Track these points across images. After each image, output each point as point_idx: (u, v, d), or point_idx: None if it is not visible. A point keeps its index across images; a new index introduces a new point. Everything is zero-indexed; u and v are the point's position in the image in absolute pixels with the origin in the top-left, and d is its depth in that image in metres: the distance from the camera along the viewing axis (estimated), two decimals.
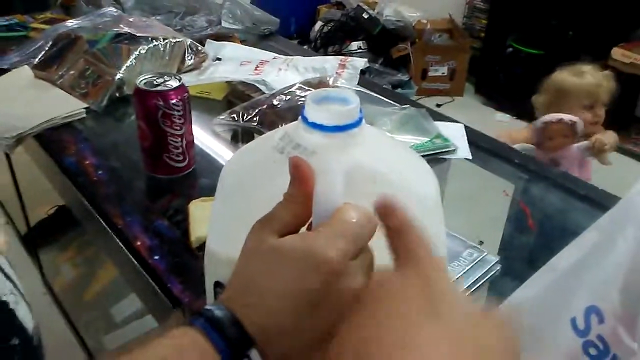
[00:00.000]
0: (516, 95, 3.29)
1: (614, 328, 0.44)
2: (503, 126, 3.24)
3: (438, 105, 3.42)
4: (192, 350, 0.34)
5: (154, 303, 0.75)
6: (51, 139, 1.00)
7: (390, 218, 0.37)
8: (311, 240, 0.36)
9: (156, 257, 0.74)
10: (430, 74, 3.53)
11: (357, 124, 0.41)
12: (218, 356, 0.34)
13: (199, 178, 0.91)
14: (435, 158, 0.97)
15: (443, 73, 3.53)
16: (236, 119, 1.02)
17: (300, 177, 0.38)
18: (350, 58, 1.24)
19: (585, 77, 1.90)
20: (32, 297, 0.53)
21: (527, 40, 3.19)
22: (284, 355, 0.36)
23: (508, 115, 3.33)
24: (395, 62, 3.51)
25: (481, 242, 0.80)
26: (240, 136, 1.03)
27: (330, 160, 0.39)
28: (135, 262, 0.75)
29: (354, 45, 3.57)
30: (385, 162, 0.42)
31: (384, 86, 3.22)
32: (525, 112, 3.26)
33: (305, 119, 0.40)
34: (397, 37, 3.51)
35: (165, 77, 0.85)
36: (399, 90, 3.36)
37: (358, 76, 1.18)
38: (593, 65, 2.05)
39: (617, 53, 2.83)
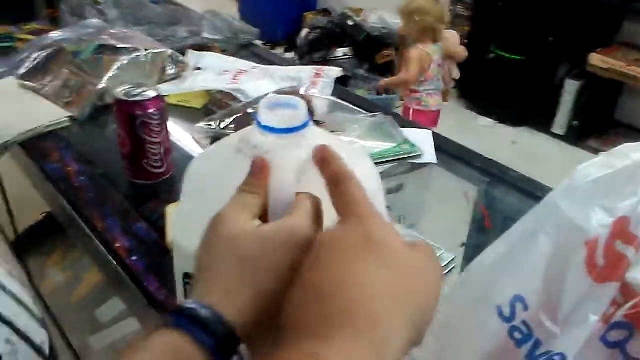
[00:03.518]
0: (498, 100, 3.36)
1: (536, 314, 0.48)
2: (486, 131, 3.30)
3: None
4: (181, 357, 0.34)
5: (134, 304, 0.79)
6: (36, 147, 1.04)
7: (328, 167, 0.41)
8: (293, 223, 0.40)
9: (134, 258, 0.78)
10: None
11: (304, 125, 0.45)
12: (205, 356, 0.34)
13: (178, 183, 0.95)
14: (408, 164, 1.03)
15: None
16: (214, 126, 1.06)
17: (261, 171, 0.43)
18: (326, 68, 1.29)
19: None
20: None
21: (508, 47, 3.25)
22: (265, 342, 0.38)
23: (491, 120, 3.40)
24: (380, 67, 3.57)
25: (463, 244, 0.85)
26: None
27: (282, 158, 0.44)
28: (115, 263, 0.79)
29: (340, 51, 3.63)
30: None
31: (369, 92, 3.30)
32: (507, 117, 3.34)
33: (259, 123, 0.45)
34: (381, 44, 3.57)
35: (143, 87, 0.90)
36: (384, 95, 3.41)
37: (333, 85, 1.23)
38: None
39: (595, 59, 2.89)
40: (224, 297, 0.37)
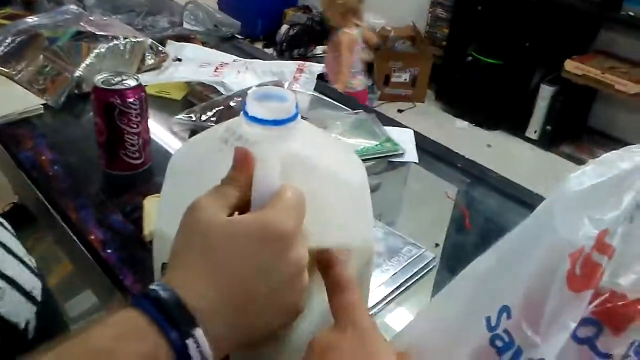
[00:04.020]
0: (475, 102, 3.40)
1: (519, 323, 0.48)
2: (462, 133, 3.33)
3: (400, 111, 3.49)
4: (134, 334, 0.35)
5: (107, 298, 0.77)
6: (8, 134, 1.01)
7: (330, 270, 0.43)
8: (267, 215, 0.39)
9: (109, 250, 0.76)
10: (393, 79, 3.60)
11: (292, 118, 0.45)
12: (162, 338, 0.35)
13: (156, 175, 0.93)
14: (389, 162, 1.03)
15: (405, 79, 3.60)
16: (194, 118, 1.04)
17: (243, 163, 0.42)
18: (308, 63, 1.28)
19: None
20: None
21: (486, 50, 3.29)
22: (229, 332, 0.38)
23: (467, 122, 3.43)
24: None
25: (437, 245, 0.85)
26: None
27: (268, 150, 0.43)
28: (89, 255, 0.77)
29: (319, 49, 3.62)
30: (317, 152, 0.47)
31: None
32: (483, 120, 3.38)
33: (246, 114, 0.44)
34: None
35: (123, 76, 0.88)
36: None
37: (315, 81, 1.22)
38: None
39: (570, 65, 2.94)
40: (187, 282, 0.37)
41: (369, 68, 3.56)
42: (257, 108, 0.44)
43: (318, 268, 0.43)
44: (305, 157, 0.45)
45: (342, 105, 1.12)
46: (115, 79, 0.87)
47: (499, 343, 0.48)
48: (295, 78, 1.20)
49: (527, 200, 0.92)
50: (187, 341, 0.35)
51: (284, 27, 3.89)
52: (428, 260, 0.76)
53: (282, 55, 3.72)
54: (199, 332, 0.36)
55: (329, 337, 0.40)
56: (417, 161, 1.03)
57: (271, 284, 0.38)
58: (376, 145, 1.02)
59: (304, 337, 0.43)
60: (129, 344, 0.34)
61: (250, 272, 0.38)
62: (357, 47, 2.69)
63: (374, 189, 1.03)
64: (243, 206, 0.42)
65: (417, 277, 0.75)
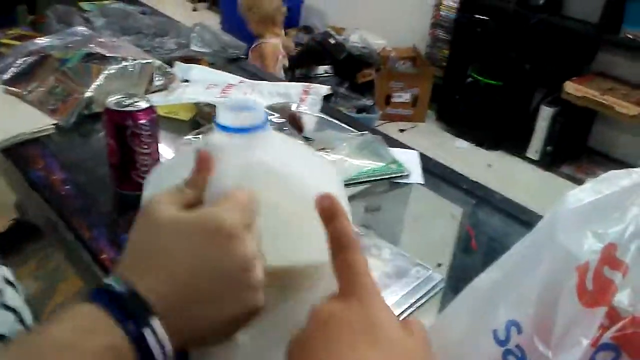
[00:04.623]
0: (475, 123, 3.42)
1: (530, 338, 0.49)
2: (462, 153, 3.35)
3: (401, 131, 3.52)
4: (93, 328, 0.36)
5: None
6: (19, 154, 1.02)
7: (333, 223, 0.41)
8: (211, 210, 0.41)
9: None
10: (394, 99, 3.64)
11: (259, 127, 0.46)
12: (119, 330, 0.36)
13: None
14: (393, 182, 1.04)
15: (406, 99, 3.64)
16: None
17: (201, 165, 0.44)
18: (314, 85, 1.30)
19: None
20: None
21: (486, 71, 3.32)
22: (185, 325, 0.39)
23: (467, 142, 3.45)
24: (360, 87, 3.59)
25: (439, 265, 0.86)
26: None
27: (230, 155, 0.45)
28: (100, 275, 0.78)
29: (321, 69, 3.65)
30: (286, 162, 0.48)
31: (349, 110, 3.32)
32: (483, 140, 3.40)
33: (215, 122, 0.46)
34: (362, 63, 3.60)
35: (135, 98, 0.89)
36: (363, 114, 3.45)
37: (321, 103, 1.24)
38: None
39: (570, 87, 2.97)
40: (137, 274, 0.39)
41: (370, 88, 3.61)
42: (224, 116, 0.46)
43: (318, 211, 0.42)
44: (271, 166, 0.46)
45: (348, 127, 1.14)
46: (127, 101, 0.88)
47: (511, 359, 0.48)
48: (302, 99, 1.22)
49: (532, 222, 0.93)
50: (143, 331, 0.36)
51: None
52: (436, 282, 0.77)
53: (285, 74, 3.75)
54: (155, 322, 0.37)
55: (332, 307, 0.39)
56: (423, 182, 1.04)
57: (216, 278, 0.39)
58: (382, 166, 1.03)
59: (256, 344, 0.44)
60: (87, 337, 0.35)
61: (194, 265, 0.39)
62: (280, 55, 2.84)
63: (375, 209, 1.05)
64: (199, 206, 0.44)
65: (425, 299, 0.75)
